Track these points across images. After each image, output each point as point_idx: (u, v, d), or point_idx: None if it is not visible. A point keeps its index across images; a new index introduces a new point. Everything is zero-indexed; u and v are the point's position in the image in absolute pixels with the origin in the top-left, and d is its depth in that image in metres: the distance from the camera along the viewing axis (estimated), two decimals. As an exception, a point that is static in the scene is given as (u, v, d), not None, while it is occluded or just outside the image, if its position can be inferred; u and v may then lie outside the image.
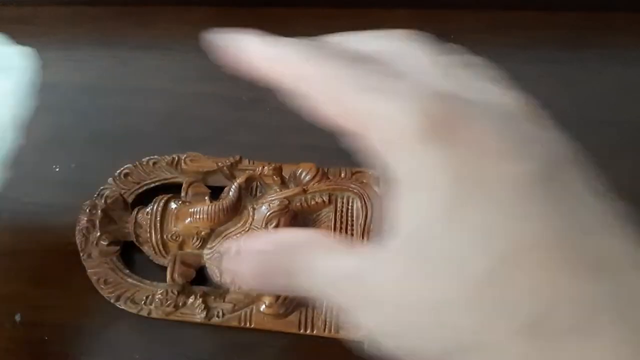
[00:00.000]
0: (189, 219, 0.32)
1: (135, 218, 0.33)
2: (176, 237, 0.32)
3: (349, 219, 0.32)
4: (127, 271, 0.33)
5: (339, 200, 0.32)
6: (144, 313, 0.32)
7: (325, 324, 0.31)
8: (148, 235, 0.33)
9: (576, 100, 0.41)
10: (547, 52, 0.42)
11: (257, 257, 0.18)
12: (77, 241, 0.33)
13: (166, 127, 0.36)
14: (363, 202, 0.29)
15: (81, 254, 0.33)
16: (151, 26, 0.45)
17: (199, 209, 0.31)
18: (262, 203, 0.31)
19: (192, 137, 0.38)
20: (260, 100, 0.41)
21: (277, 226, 0.30)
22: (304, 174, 0.32)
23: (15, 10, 0.45)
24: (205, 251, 0.32)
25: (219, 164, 0.35)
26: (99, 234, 0.33)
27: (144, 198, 0.34)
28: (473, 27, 0.43)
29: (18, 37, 0.44)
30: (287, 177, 0.33)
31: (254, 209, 0.31)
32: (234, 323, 0.31)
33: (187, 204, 0.33)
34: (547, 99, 0.41)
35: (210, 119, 0.40)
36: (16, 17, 0.45)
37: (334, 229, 0.32)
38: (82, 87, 0.42)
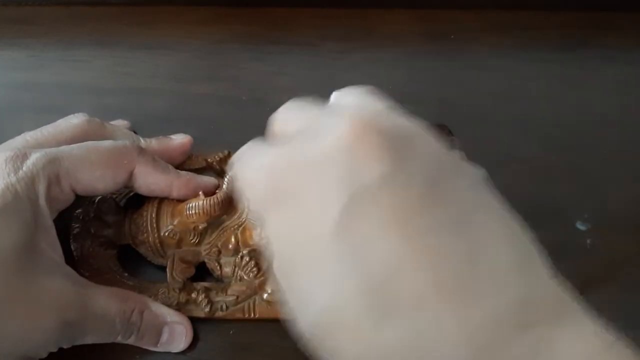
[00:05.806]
0: (184, 214, 0.32)
1: (131, 219, 0.33)
2: (173, 235, 0.32)
3: None
4: (126, 274, 0.33)
5: None
6: (147, 313, 0.32)
7: None
8: (145, 235, 0.32)
9: (576, 100, 0.41)
10: (547, 52, 0.42)
11: None
12: (73, 249, 0.33)
13: (166, 127, 0.36)
14: None
15: (78, 261, 0.33)
16: (151, 26, 0.45)
17: (194, 204, 0.31)
18: None
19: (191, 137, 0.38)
20: (260, 100, 0.41)
21: None
22: None
23: (15, 10, 0.45)
24: (203, 247, 0.32)
25: (209, 160, 0.35)
26: (94, 239, 0.33)
27: (136, 200, 0.34)
28: (473, 27, 0.43)
29: (18, 37, 0.44)
30: None
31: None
32: (239, 315, 0.31)
33: (182, 201, 0.33)
34: (547, 99, 0.41)
35: (210, 119, 0.40)
36: (16, 17, 0.45)
37: None
38: (82, 87, 0.42)
